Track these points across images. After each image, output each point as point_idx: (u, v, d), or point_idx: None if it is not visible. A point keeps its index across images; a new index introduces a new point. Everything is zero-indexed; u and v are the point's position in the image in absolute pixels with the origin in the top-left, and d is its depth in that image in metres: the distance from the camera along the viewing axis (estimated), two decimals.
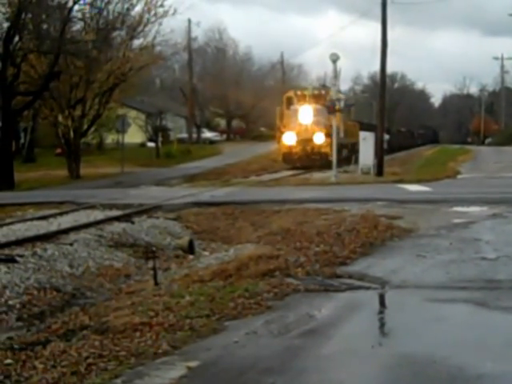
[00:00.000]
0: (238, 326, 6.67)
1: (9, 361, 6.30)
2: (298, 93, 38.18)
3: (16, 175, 31.97)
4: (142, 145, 58.29)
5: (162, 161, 48.87)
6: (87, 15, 36.05)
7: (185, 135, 67.24)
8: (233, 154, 52.07)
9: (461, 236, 11.59)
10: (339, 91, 31.36)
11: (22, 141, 49.73)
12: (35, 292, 10.01)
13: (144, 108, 59.89)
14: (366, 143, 29.69)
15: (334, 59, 26.58)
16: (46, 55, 32.92)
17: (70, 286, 10.57)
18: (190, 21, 61.62)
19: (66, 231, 13.71)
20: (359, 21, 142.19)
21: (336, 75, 28.13)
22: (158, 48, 40.82)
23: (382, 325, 7.06)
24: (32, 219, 15.60)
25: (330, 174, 26.69)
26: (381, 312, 7.64)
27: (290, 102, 37.64)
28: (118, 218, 15.66)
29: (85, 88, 35.42)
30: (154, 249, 12.83)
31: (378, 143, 29.68)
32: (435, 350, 5.82)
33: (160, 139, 55.08)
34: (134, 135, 52.47)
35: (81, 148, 38.77)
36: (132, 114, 51.33)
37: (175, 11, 37.36)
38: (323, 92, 36.94)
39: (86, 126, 38.21)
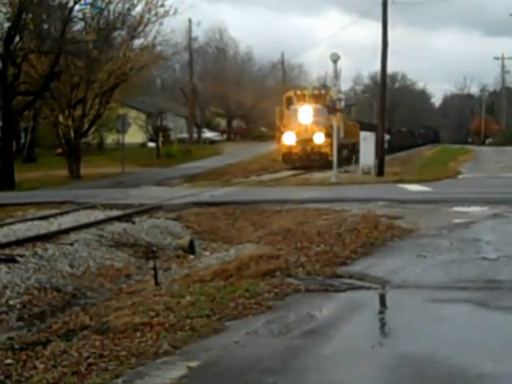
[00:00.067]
0: (238, 326, 6.67)
1: (9, 361, 6.31)
2: (298, 93, 38.07)
3: (16, 175, 31.98)
4: (143, 145, 58.32)
5: (163, 161, 48.87)
6: (88, 15, 36.10)
7: (185, 135, 67.26)
8: (233, 154, 52.07)
9: (461, 236, 11.59)
10: (340, 91, 31.35)
11: (23, 141, 49.75)
12: (36, 292, 10.01)
13: (144, 108, 59.92)
14: (367, 143, 29.69)
15: (335, 59, 26.56)
16: (46, 55, 32.92)
17: (70, 286, 10.57)
18: (190, 21, 61.70)
19: (67, 231, 13.71)
20: (360, 21, 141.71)
21: (337, 75, 28.12)
22: (158, 48, 40.86)
23: (383, 325, 7.06)
24: (32, 219, 15.60)
25: (331, 174, 26.68)
26: (381, 312, 7.63)
27: (289, 101, 37.55)
28: (118, 218, 15.66)
29: (85, 88, 35.43)
30: (154, 249, 12.83)
31: (379, 143, 29.68)
32: (436, 349, 5.82)
33: (160, 139, 55.11)
34: (135, 135, 52.50)
35: (81, 148, 38.80)
36: (132, 113, 51.37)
37: (176, 11, 37.42)
38: (323, 92, 36.89)
39: (86, 126, 38.23)
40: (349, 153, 36.29)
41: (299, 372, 5.43)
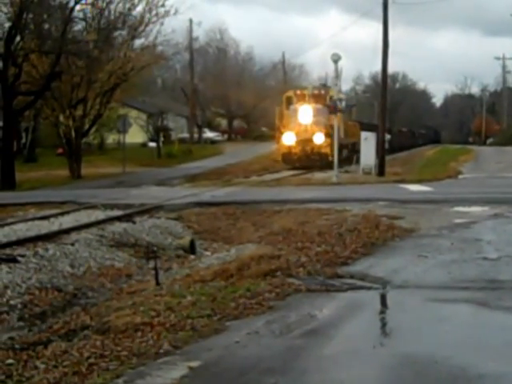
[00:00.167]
0: (239, 326, 6.67)
1: (10, 361, 6.31)
2: (298, 92, 37.91)
3: (17, 175, 31.99)
4: (144, 145, 58.33)
5: (164, 161, 48.86)
6: (89, 15, 36.12)
7: (186, 135, 67.28)
8: (234, 154, 52.06)
9: (462, 236, 11.59)
10: (340, 91, 31.34)
11: (24, 141, 49.74)
12: (37, 292, 10.01)
13: (145, 108, 59.91)
14: (368, 143, 29.69)
15: (336, 59, 26.54)
16: (47, 55, 32.93)
17: (71, 286, 10.57)
18: (191, 21, 61.69)
19: (68, 231, 13.71)
20: (360, 21, 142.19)
21: (337, 75, 28.15)
22: (159, 48, 40.88)
23: (384, 325, 7.06)
24: (33, 219, 15.60)
25: (331, 174, 26.68)
26: (382, 312, 7.63)
27: (289, 101, 37.41)
28: (119, 218, 15.66)
29: (86, 88, 35.43)
30: (155, 249, 12.84)
31: (380, 143, 29.69)
32: (437, 350, 5.82)
33: (161, 139, 55.10)
34: (136, 135, 52.53)
35: (82, 148, 38.79)
36: (133, 113, 51.38)
37: (176, 11, 37.43)
38: (323, 92, 36.81)
39: (87, 126, 38.23)
40: (349, 153, 36.21)
41: (300, 372, 5.43)
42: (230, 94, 73.44)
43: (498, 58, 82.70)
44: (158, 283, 9.46)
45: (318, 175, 29.63)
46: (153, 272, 10.23)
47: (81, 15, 35.73)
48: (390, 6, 29.39)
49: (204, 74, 74.95)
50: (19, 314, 9.14)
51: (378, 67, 31.46)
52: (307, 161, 34.82)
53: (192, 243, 13.63)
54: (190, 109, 67.22)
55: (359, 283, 8.42)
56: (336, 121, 27.50)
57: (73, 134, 36.42)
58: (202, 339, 6.32)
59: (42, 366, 5.90)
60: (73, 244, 12.62)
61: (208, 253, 13.18)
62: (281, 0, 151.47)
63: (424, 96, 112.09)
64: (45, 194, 24.26)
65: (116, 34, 38.22)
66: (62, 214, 16.54)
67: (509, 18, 70.18)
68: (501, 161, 36.41)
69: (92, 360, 5.85)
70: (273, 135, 43.37)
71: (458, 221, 13.45)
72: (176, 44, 47.20)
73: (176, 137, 61.66)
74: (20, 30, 31.20)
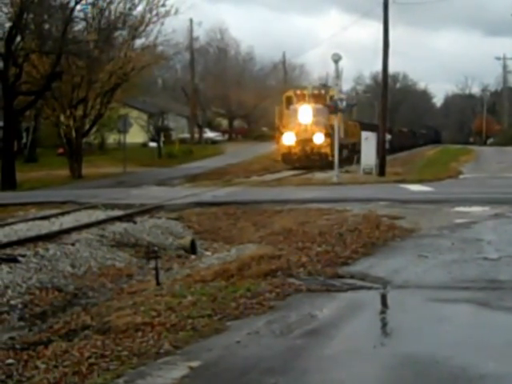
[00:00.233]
0: (239, 326, 6.67)
1: (11, 360, 6.31)
2: (298, 92, 37.82)
3: (18, 175, 31.99)
4: (144, 145, 58.34)
5: (164, 161, 48.87)
6: (89, 15, 36.10)
7: (187, 135, 67.28)
8: (235, 153, 52.07)
9: (463, 236, 11.59)
10: (341, 91, 31.32)
11: (24, 141, 49.75)
12: (37, 292, 10.01)
13: (146, 108, 59.92)
14: (368, 143, 29.69)
15: (336, 59, 26.54)
16: (47, 55, 32.94)
17: (71, 286, 10.57)
18: (191, 21, 61.72)
19: (68, 231, 13.71)
20: (361, 21, 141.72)
21: (338, 75, 28.15)
22: (159, 48, 40.89)
23: (384, 325, 7.06)
24: (34, 219, 15.61)
25: (332, 174, 26.68)
26: (383, 312, 7.63)
27: (289, 101, 37.34)
28: (119, 218, 15.66)
29: (87, 88, 35.44)
30: (155, 249, 12.84)
31: (380, 143, 29.69)
32: (437, 350, 5.82)
33: (162, 139, 55.10)
34: (136, 135, 52.54)
35: (83, 148, 38.78)
36: (134, 113, 51.39)
37: (177, 11, 37.46)
38: (323, 91, 36.75)
39: (87, 126, 38.25)
40: (349, 153, 36.17)
41: (301, 372, 5.43)
42: (230, 94, 73.45)
43: (498, 58, 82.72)
44: (158, 283, 9.47)
45: (319, 175, 29.62)
46: (153, 272, 10.23)
47: (81, 15, 35.78)
48: (390, 6, 29.41)
49: (204, 74, 74.96)
50: (20, 314, 9.14)
51: (379, 67, 31.48)
52: (307, 161, 34.75)
53: (193, 243, 13.63)
54: (191, 109, 67.24)
55: (360, 283, 8.41)
56: (336, 121, 27.49)
57: (73, 134, 36.42)
58: (203, 339, 6.32)
59: (43, 366, 5.90)
60: (73, 244, 12.62)
61: (208, 253, 13.19)
62: (281, 0, 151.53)
63: (424, 96, 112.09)
64: (45, 193, 24.27)
65: (116, 34, 38.24)
66: (63, 213, 16.55)
67: (509, 17, 70.31)
68: (501, 161, 36.41)
69: (92, 360, 5.85)
70: (273, 135, 43.36)
71: (458, 221, 13.45)
72: (176, 44, 47.20)
73: (177, 137, 61.65)
74: (20, 30, 31.21)
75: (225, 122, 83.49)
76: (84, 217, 15.92)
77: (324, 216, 14.38)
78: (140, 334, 6.49)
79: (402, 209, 15.40)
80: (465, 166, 33.44)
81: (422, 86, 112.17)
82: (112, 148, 53.66)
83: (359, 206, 15.97)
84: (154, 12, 36.80)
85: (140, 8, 36.89)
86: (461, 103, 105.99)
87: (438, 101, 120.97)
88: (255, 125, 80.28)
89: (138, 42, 38.98)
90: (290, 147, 35.42)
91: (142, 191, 24.16)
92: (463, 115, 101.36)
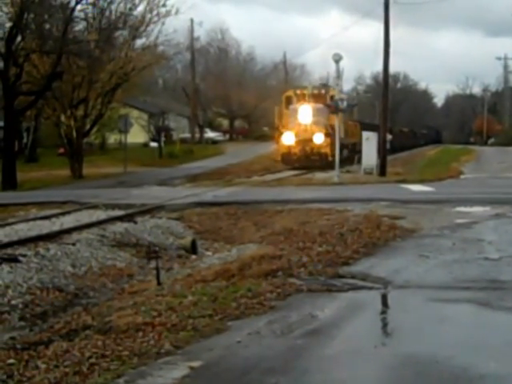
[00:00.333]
0: (240, 326, 6.66)
1: (11, 360, 6.31)
2: (298, 92, 37.66)
3: (18, 175, 32.00)
4: (145, 145, 58.36)
5: (165, 161, 48.87)
6: (90, 15, 36.11)
7: (187, 135, 67.27)
8: (235, 154, 52.06)
9: (464, 236, 11.58)
10: (342, 91, 31.30)
11: (25, 141, 49.77)
12: (38, 292, 10.01)
13: (146, 108, 59.93)
14: (369, 143, 29.69)
15: (337, 59, 26.53)
16: (48, 55, 32.94)
17: (72, 286, 10.57)
18: (192, 21, 61.70)
19: (69, 231, 13.72)
20: (362, 21, 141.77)
21: (339, 75, 28.09)
22: (160, 48, 40.89)
23: (385, 325, 7.05)
24: (35, 219, 15.61)
25: (333, 174, 26.67)
26: (383, 312, 7.62)
27: (289, 101, 37.21)
28: (120, 218, 15.66)
29: (87, 88, 35.44)
30: (156, 249, 12.85)
31: (381, 143, 29.68)
32: (438, 350, 5.81)
33: (163, 139, 55.10)
34: (137, 135, 52.53)
35: (83, 148, 38.77)
36: (134, 113, 51.39)
37: (177, 11, 37.44)
38: (323, 91, 36.67)
39: (88, 126, 38.22)
40: (349, 153, 36.12)
41: (301, 372, 5.43)
42: (231, 94, 73.48)
43: (499, 58, 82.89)
44: (159, 283, 9.47)
45: (319, 175, 29.60)
46: (154, 272, 10.23)
47: (82, 15, 35.75)
48: (391, 6, 29.38)
49: (205, 74, 75.01)
50: (20, 314, 9.14)
51: (380, 67, 31.45)
52: (307, 161, 34.63)
53: (193, 243, 13.63)
54: (192, 109, 67.25)
55: (360, 283, 8.41)
56: (337, 121, 27.48)
57: (74, 134, 36.42)
58: (204, 339, 6.32)
59: (43, 366, 5.90)
60: (74, 244, 12.62)
61: (209, 253, 13.19)
62: (282, 0, 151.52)
63: (425, 96, 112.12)
64: (46, 193, 24.27)
65: (117, 33, 38.24)
66: (64, 213, 16.55)
67: (510, 18, 70.28)
68: (502, 161, 36.40)
69: (93, 360, 5.85)
70: (274, 135, 43.35)
71: (459, 221, 13.44)
72: (177, 44, 47.26)
73: (177, 137, 61.65)
74: (21, 30, 31.21)
75: (225, 122, 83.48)
76: (85, 217, 15.92)
77: (325, 216, 14.37)
78: (141, 333, 6.49)
79: (403, 209, 15.39)
80: (466, 166, 33.43)
81: (422, 85, 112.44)
82: (113, 148, 53.66)
83: (360, 206, 15.97)
84: (155, 12, 36.84)
85: (141, 8, 36.94)
86: (462, 103, 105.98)
87: (439, 101, 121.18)
88: (256, 125, 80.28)
89: (139, 42, 39.07)
90: (289, 147, 35.27)
91: (142, 191, 24.16)
92: (464, 115, 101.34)
